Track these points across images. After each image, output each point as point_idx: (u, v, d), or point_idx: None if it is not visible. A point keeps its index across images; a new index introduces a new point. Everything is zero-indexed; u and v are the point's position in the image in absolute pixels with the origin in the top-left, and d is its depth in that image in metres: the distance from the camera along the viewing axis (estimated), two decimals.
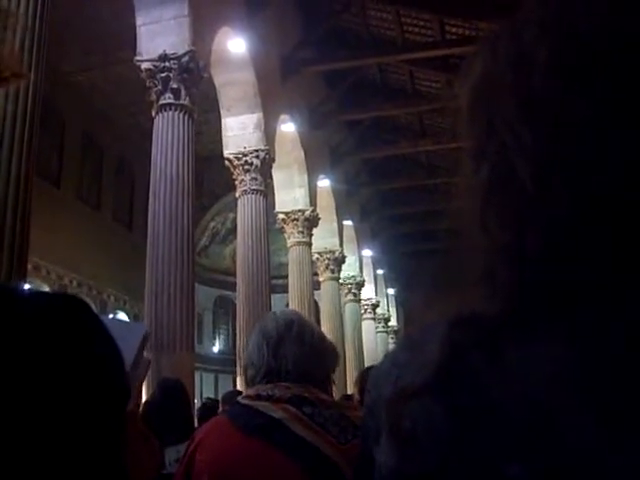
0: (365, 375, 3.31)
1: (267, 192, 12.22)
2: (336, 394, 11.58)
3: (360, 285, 20.42)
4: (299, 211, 14.52)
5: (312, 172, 15.11)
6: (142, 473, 0.99)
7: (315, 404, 1.57)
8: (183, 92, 8.76)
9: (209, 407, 5.11)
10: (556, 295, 0.44)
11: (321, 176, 16.14)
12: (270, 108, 12.55)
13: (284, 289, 15.40)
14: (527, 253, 0.45)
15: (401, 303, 29.52)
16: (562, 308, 0.44)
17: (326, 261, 17.14)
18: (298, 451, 1.49)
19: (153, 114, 8.81)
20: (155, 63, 8.76)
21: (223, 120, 12.10)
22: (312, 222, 14.70)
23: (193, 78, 8.93)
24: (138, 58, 8.91)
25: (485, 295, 0.47)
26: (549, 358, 0.43)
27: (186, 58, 8.81)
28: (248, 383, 1.72)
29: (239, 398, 1.66)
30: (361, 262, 20.74)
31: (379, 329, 24.27)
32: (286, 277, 14.91)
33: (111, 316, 15.38)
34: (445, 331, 0.48)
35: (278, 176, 13.99)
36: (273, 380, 1.62)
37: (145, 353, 1.25)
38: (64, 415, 0.59)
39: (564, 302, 0.44)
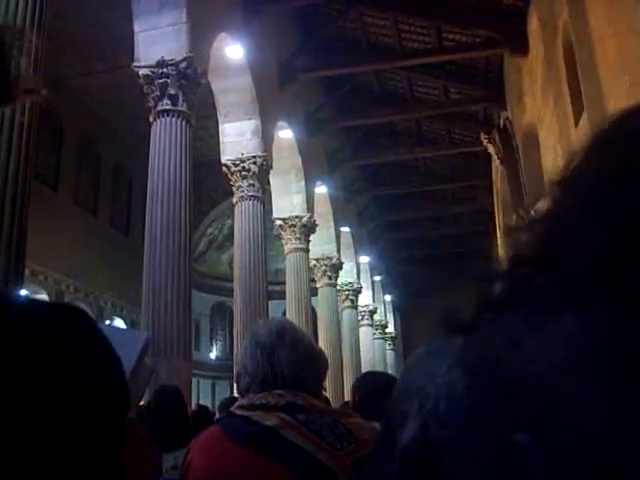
0: (362, 380, 3.30)
1: (264, 198, 12.22)
2: (333, 400, 11.53)
3: (357, 291, 20.41)
4: (296, 217, 14.52)
5: (309, 178, 15.12)
6: (140, 477, 0.99)
7: (309, 411, 1.57)
8: (181, 98, 8.77)
9: (197, 415, 5.09)
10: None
11: (318, 182, 16.15)
12: (267, 114, 12.57)
13: (281, 295, 15.39)
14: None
15: (398, 309, 29.53)
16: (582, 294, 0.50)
17: (323, 267, 17.13)
18: (293, 459, 1.48)
19: (151, 120, 8.81)
20: (153, 69, 8.77)
21: (220, 126, 12.11)
22: (309, 228, 14.70)
23: (191, 84, 8.94)
24: (136, 64, 8.92)
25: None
26: (562, 339, 0.48)
27: (184, 64, 8.83)
28: (241, 392, 1.71)
29: (232, 408, 1.65)
30: (358, 268, 20.74)
31: (376, 335, 24.26)
32: (283, 283, 14.91)
33: (108, 322, 15.35)
34: (470, 318, 0.56)
35: (275, 182, 14.01)
36: (268, 388, 1.62)
37: (147, 361, 1.25)
38: (61, 425, 0.59)
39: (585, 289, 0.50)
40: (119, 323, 17.03)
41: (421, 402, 0.52)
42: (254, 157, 11.91)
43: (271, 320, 1.84)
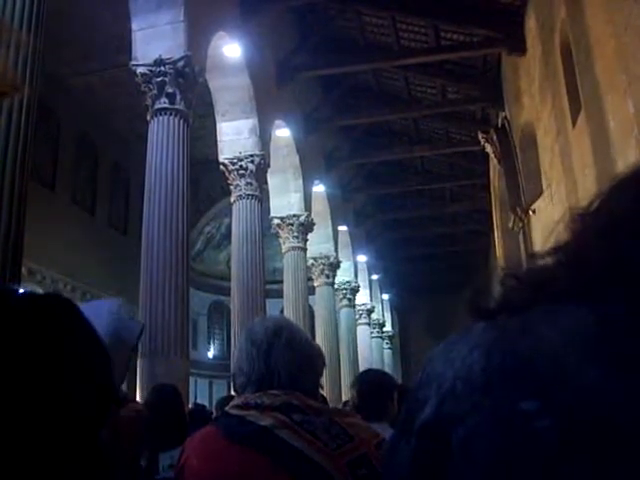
0: (361, 378, 3.31)
1: (262, 197, 12.22)
2: (330, 398, 11.52)
3: (355, 290, 20.43)
4: (294, 216, 14.52)
5: (307, 177, 15.13)
6: (122, 452, 0.99)
7: (305, 411, 1.56)
8: (178, 97, 8.77)
9: (194, 414, 5.09)
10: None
11: (316, 181, 16.16)
12: (265, 113, 12.56)
13: (279, 294, 15.39)
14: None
15: (396, 308, 29.55)
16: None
17: (321, 266, 17.14)
18: (288, 459, 1.47)
19: (148, 118, 8.81)
20: (151, 68, 8.77)
21: (218, 125, 12.10)
22: (307, 227, 14.71)
23: (188, 83, 8.93)
24: (134, 63, 8.91)
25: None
26: (574, 326, 0.53)
27: (181, 63, 8.82)
28: (237, 391, 1.70)
29: (227, 408, 1.64)
30: (356, 267, 20.75)
31: (374, 334, 24.29)
32: (281, 282, 14.91)
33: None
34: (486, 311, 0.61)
35: (273, 181, 14.01)
36: (264, 387, 1.61)
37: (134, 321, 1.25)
38: (43, 412, 0.59)
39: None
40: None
41: (440, 384, 0.56)
42: (252, 156, 11.91)
43: (267, 318, 1.82)
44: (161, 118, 8.67)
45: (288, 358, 1.64)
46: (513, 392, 0.51)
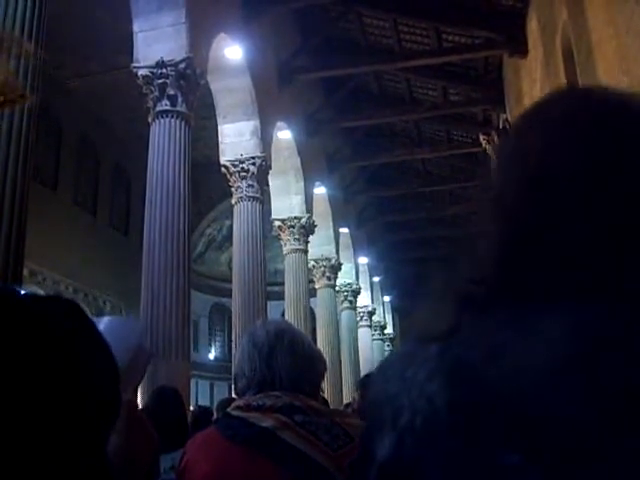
0: (365, 382, 3.31)
1: (263, 199, 12.22)
2: (331, 400, 11.51)
3: (356, 292, 20.41)
4: (295, 218, 14.52)
5: (308, 179, 15.12)
6: (138, 459, 0.99)
7: (306, 412, 1.56)
8: (180, 99, 8.77)
9: (198, 416, 5.10)
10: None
11: (317, 183, 16.15)
12: (267, 115, 12.57)
13: (280, 296, 15.39)
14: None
15: (397, 310, 29.53)
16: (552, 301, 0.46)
17: (322, 268, 17.13)
18: (289, 460, 1.48)
19: (150, 120, 8.81)
20: (152, 70, 8.77)
21: (220, 127, 12.10)
22: (308, 229, 14.70)
23: (190, 85, 8.94)
24: (135, 64, 8.92)
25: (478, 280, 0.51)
26: (547, 346, 0.44)
27: (183, 65, 8.83)
28: (239, 393, 1.71)
29: (229, 409, 1.64)
30: (357, 269, 20.74)
31: (375, 336, 24.26)
32: (282, 284, 14.90)
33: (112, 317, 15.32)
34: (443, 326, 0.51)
35: (274, 183, 14.00)
36: (265, 389, 1.62)
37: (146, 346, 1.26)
38: (47, 419, 0.59)
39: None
40: None
41: (396, 413, 0.48)
42: (253, 158, 11.91)
43: (269, 321, 1.83)
44: (162, 120, 8.68)
45: (290, 360, 1.65)
46: (489, 439, 0.42)
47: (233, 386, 1.81)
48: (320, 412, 1.59)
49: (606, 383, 0.41)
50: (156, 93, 8.72)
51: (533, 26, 11.17)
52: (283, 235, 14.55)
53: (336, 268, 17.45)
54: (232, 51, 11.27)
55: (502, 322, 0.47)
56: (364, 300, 22.05)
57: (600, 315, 0.43)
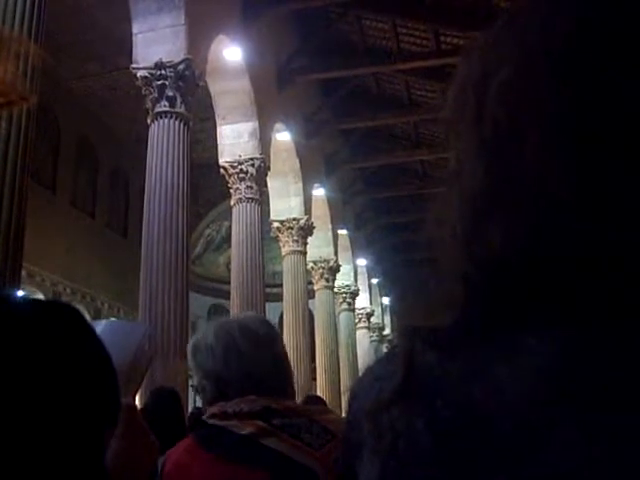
0: None
1: (262, 200, 12.22)
2: (329, 402, 11.47)
3: (355, 294, 20.41)
4: (294, 220, 14.51)
5: (307, 181, 15.12)
6: (139, 465, 0.98)
7: (284, 414, 1.52)
8: (179, 100, 8.77)
9: (196, 417, 5.09)
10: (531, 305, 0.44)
11: (316, 185, 16.15)
12: (265, 116, 12.57)
13: (278, 298, 15.37)
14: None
15: (395, 312, 29.52)
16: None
17: (321, 270, 17.12)
18: (275, 465, 1.44)
19: (149, 122, 8.81)
20: (151, 71, 8.77)
21: (218, 128, 12.10)
22: (307, 231, 14.70)
23: (189, 86, 8.94)
24: (134, 66, 8.92)
25: (448, 303, 0.47)
26: (530, 367, 0.41)
27: (182, 66, 8.83)
28: (210, 402, 1.60)
29: (204, 417, 1.56)
30: (356, 271, 20.73)
31: (373, 338, 24.24)
32: (280, 286, 14.89)
33: (113, 319, 15.30)
34: (406, 342, 0.48)
35: (273, 184, 14.00)
36: (238, 393, 1.54)
37: (147, 348, 1.25)
38: (43, 424, 0.59)
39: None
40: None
41: (376, 434, 0.45)
42: (252, 159, 11.91)
43: (244, 318, 1.75)
44: (161, 121, 8.68)
45: (268, 360, 1.60)
46: (475, 465, 0.40)
47: (201, 397, 1.66)
48: (298, 412, 1.55)
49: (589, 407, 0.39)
50: (155, 94, 8.72)
51: None
52: (282, 237, 14.55)
53: (335, 270, 17.45)
54: (231, 53, 11.27)
55: (476, 343, 0.44)
56: (363, 302, 22.05)
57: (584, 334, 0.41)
